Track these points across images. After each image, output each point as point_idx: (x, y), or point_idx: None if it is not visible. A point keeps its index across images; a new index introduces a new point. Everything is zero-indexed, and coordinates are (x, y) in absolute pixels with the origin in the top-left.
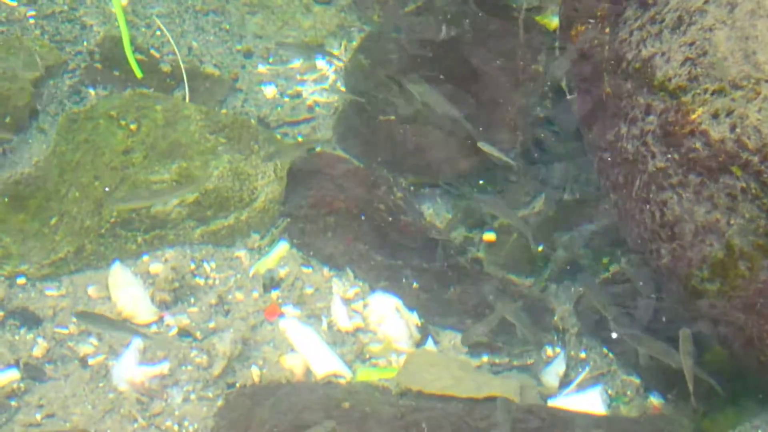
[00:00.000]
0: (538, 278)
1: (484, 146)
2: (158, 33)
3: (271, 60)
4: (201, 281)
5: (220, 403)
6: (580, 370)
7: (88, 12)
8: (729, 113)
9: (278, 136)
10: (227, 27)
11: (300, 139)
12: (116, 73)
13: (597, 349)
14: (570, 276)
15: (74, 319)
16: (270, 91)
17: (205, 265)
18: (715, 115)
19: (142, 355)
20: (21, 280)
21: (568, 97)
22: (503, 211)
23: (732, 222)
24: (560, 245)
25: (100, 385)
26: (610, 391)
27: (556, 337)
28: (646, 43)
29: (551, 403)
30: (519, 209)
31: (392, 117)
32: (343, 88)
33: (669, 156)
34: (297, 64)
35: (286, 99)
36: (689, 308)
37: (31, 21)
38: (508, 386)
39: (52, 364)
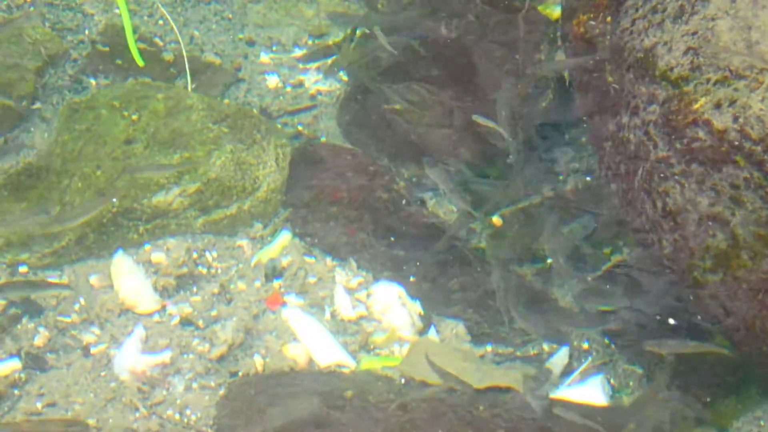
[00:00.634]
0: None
1: (478, 118)
2: (161, 22)
3: (274, 49)
4: (203, 270)
5: (222, 392)
6: (582, 360)
7: (89, 0)
8: (732, 103)
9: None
10: (230, 16)
11: (300, 128)
12: (118, 62)
13: (599, 340)
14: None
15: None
16: (272, 81)
17: (207, 254)
18: (717, 105)
19: (144, 343)
20: (23, 269)
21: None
22: (445, 181)
23: (735, 212)
24: (567, 234)
25: (102, 374)
26: (612, 381)
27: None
28: (648, 33)
29: (554, 393)
30: (522, 199)
31: (396, 106)
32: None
33: (671, 146)
34: (300, 53)
35: (289, 88)
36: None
37: (32, 9)
38: (511, 376)
39: (53, 353)
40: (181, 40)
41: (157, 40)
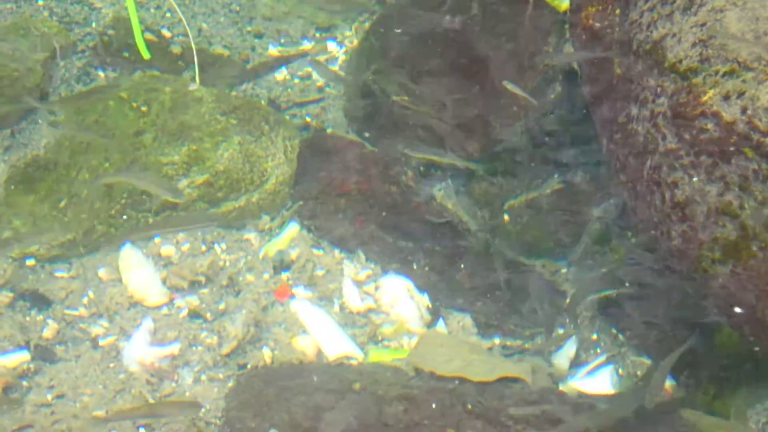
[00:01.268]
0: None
1: (508, 84)
2: (168, 14)
3: (282, 41)
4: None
5: (231, 384)
6: (591, 352)
7: None
8: (740, 95)
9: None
10: (237, 8)
11: (308, 120)
12: (125, 54)
13: (608, 331)
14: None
15: None
16: (280, 73)
17: (216, 246)
18: (726, 97)
19: (153, 335)
20: (30, 262)
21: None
22: (430, 151)
23: (745, 203)
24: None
25: (111, 365)
26: (621, 371)
27: (568, 320)
28: (657, 25)
29: (562, 385)
30: (531, 191)
31: (404, 98)
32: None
33: (680, 137)
34: (308, 46)
35: (296, 80)
36: (700, 290)
37: (40, 2)
38: (520, 368)
39: (62, 345)
40: (189, 33)
41: (165, 32)
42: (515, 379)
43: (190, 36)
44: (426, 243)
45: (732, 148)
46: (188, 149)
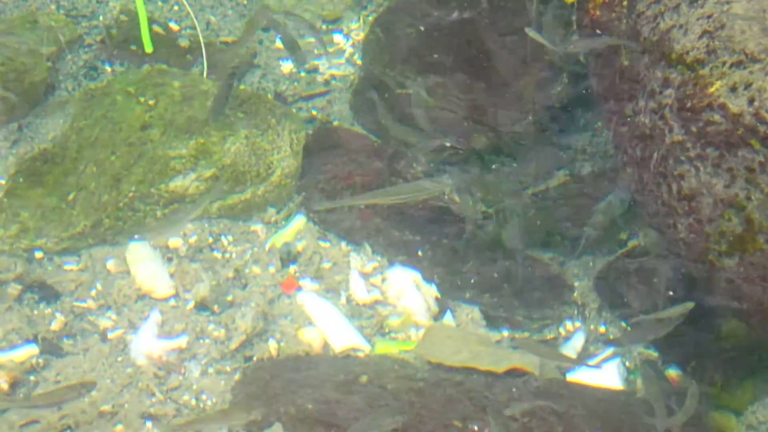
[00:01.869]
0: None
1: (529, 32)
2: (176, 7)
3: None
4: (218, 255)
5: (237, 376)
6: (599, 344)
7: None
8: (747, 86)
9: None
10: (245, 1)
11: (314, 113)
12: (133, 48)
13: (616, 323)
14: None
15: None
16: (287, 66)
17: (223, 239)
18: (733, 89)
19: (160, 328)
20: (39, 254)
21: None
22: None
23: (751, 196)
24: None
25: (119, 359)
26: (628, 364)
27: (576, 312)
28: (664, 16)
29: (569, 377)
30: (538, 184)
31: (407, 91)
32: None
33: (687, 129)
34: (313, 39)
35: (303, 74)
36: (707, 282)
37: None
38: (528, 360)
39: (70, 338)
40: (197, 26)
41: (172, 25)
42: (523, 372)
43: (198, 29)
44: (433, 236)
45: (739, 140)
46: (196, 143)
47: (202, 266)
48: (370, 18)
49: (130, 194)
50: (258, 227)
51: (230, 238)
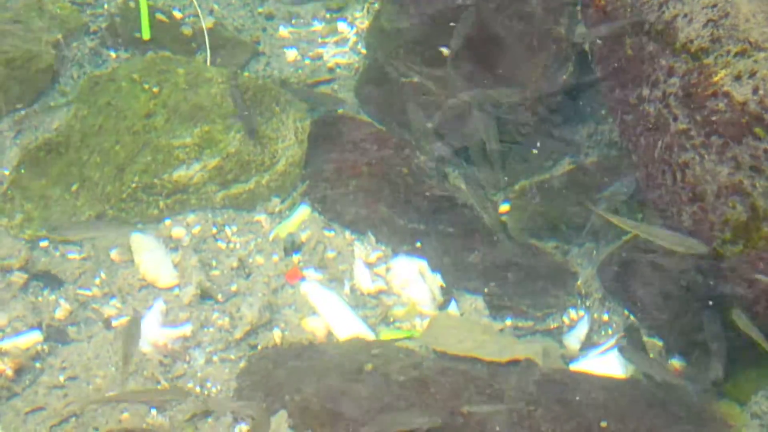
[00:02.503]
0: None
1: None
2: None
3: (293, 22)
4: (222, 245)
5: (242, 365)
6: (603, 333)
7: None
8: (752, 75)
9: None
10: None
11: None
12: (137, 35)
13: (619, 312)
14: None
15: None
16: (291, 54)
17: (227, 228)
18: (737, 77)
19: (165, 317)
20: (43, 243)
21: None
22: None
23: (756, 183)
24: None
25: None
26: None
27: (579, 301)
28: (669, 5)
29: (573, 366)
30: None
31: (414, 79)
32: None
33: (691, 118)
34: (319, 26)
35: (307, 61)
36: (711, 270)
37: None
38: (532, 349)
39: (75, 326)
40: (200, 14)
41: (176, 13)
42: (527, 361)
43: (202, 17)
44: (438, 225)
45: (743, 128)
46: (201, 131)
47: (206, 256)
48: (375, 6)
49: (134, 185)
50: (262, 217)
51: (234, 228)
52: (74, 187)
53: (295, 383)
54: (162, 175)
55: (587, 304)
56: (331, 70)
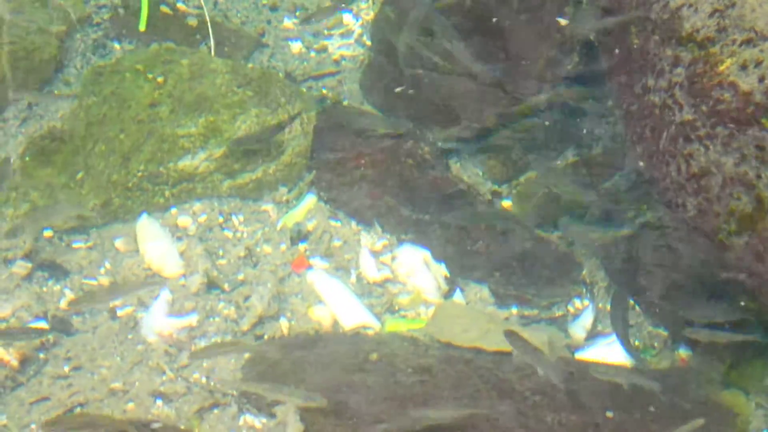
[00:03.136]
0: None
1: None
2: None
3: (297, 14)
4: (229, 234)
5: (248, 355)
6: (608, 322)
7: None
8: (757, 64)
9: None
10: None
11: (324, 91)
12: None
13: None
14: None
15: None
16: (296, 46)
17: (234, 218)
18: (743, 67)
19: (171, 306)
20: (48, 233)
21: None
22: None
23: (761, 174)
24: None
25: (129, 336)
26: (637, 343)
27: (585, 290)
28: None
29: (578, 355)
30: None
31: (419, 71)
32: None
33: (696, 108)
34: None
35: (312, 53)
36: (717, 262)
37: None
38: (537, 338)
39: (80, 316)
40: (204, 6)
41: (180, 5)
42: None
43: (205, 9)
44: (442, 214)
45: (749, 118)
46: (205, 120)
47: (212, 245)
48: None
49: (139, 174)
50: (269, 207)
51: (241, 217)
52: (79, 176)
53: (300, 373)
54: (167, 164)
55: (593, 293)
56: (336, 62)
